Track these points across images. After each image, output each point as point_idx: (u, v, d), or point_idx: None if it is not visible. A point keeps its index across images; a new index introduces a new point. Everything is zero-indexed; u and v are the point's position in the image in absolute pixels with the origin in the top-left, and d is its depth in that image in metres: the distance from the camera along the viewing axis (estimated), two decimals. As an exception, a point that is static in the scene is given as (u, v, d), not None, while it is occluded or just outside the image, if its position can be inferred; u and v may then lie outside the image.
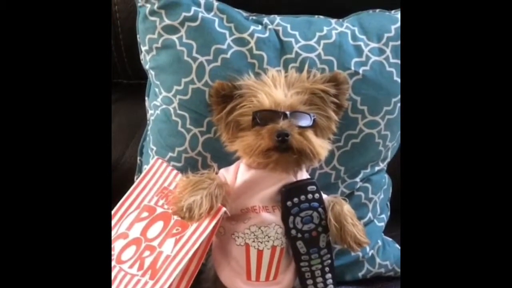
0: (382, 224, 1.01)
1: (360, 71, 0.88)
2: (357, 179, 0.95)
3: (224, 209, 0.72)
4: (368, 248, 0.95)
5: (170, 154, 0.92)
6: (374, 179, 0.98)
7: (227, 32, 0.88)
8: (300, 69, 0.85)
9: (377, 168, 0.98)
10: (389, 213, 1.04)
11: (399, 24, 0.92)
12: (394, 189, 1.05)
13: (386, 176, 1.02)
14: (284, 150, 0.73)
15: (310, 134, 0.76)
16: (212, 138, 0.89)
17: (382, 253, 0.98)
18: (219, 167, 0.86)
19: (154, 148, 0.95)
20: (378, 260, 0.97)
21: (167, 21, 0.89)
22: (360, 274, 0.97)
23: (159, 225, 0.78)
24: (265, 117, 0.74)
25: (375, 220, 0.99)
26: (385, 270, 0.98)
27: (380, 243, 0.99)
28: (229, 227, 0.79)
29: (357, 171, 0.95)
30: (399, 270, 1.00)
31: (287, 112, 0.73)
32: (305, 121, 0.75)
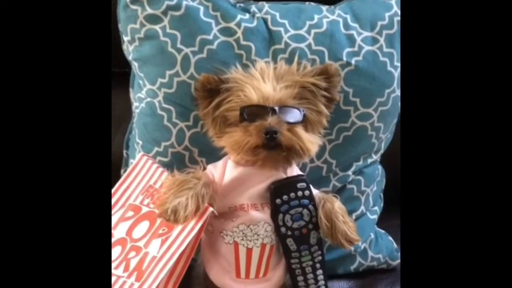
0: (375, 216, 1.00)
1: (353, 62, 0.86)
2: (349, 172, 0.93)
3: (211, 209, 0.71)
4: (360, 242, 0.93)
5: (156, 148, 0.90)
6: (367, 172, 0.97)
7: (213, 22, 0.85)
8: (289, 61, 0.83)
9: (370, 160, 0.97)
10: (382, 205, 1.03)
11: (393, 11, 0.89)
12: (388, 180, 1.04)
13: (380, 167, 1.01)
14: (272, 147, 0.71)
15: (299, 130, 0.74)
16: (199, 133, 0.87)
17: (375, 246, 0.98)
18: (207, 162, 0.85)
19: (140, 142, 0.93)
20: (370, 253, 0.97)
21: (149, 10, 0.85)
22: (352, 268, 0.97)
23: (144, 225, 0.77)
24: (253, 112, 0.72)
25: (368, 213, 0.98)
26: (378, 263, 0.98)
27: (372, 236, 0.98)
28: (218, 225, 0.78)
29: (349, 164, 0.94)
30: (391, 262, 1.00)
31: (276, 108, 0.71)
32: (295, 117, 0.73)
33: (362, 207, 0.96)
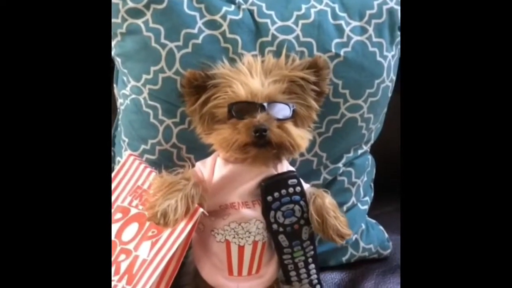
0: (366, 207, 1.01)
1: (341, 53, 0.85)
2: (340, 164, 0.93)
3: (201, 210, 0.70)
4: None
5: (143, 146, 0.89)
6: (357, 163, 0.97)
7: (197, 15, 0.82)
8: (277, 53, 0.81)
9: (360, 151, 0.96)
10: (372, 194, 1.04)
11: (382, -1, 0.88)
12: (377, 168, 1.04)
13: (370, 157, 1.01)
14: (262, 145, 0.70)
15: (289, 126, 0.73)
16: (187, 130, 0.85)
17: (366, 237, 0.98)
18: (196, 159, 0.84)
19: (126, 140, 0.91)
20: (362, 244, 0.97)
21: (130, 4, 0.82)
22: (343, 259, 0.97)
23: (133, 227, 0.75)
24: (241, 109, 0.71)
25: (359, 204, 0.98)
26: (369, 253, 0.99)
27: (363, 226, 0.99)
28: (208, 223, 0.77)
29: (339, 156, 0.94)
30: (383, 252, 1.01)
31: (265, 104, 0.70)
32: (284, 113, 0.72)
33: (353, 199, 0.96)
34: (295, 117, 0.75)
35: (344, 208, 0.94)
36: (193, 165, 0.79)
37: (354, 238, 0.96)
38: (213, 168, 0.78)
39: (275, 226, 0.76)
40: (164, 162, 0.86)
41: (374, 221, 1.03)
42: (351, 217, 0.88)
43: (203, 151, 0.81)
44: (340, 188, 0.93)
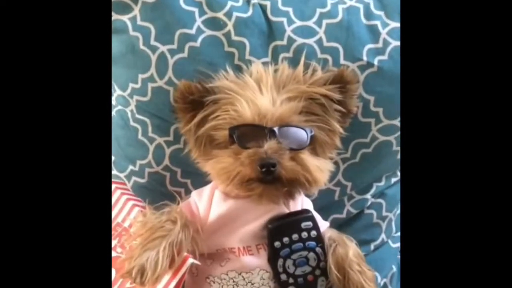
0: (398, 244, 0.86)
1: (375, 62, 0.70)
2: (368, 196, 0.81)
3: (190, 260, 0.58)
4: (379, 277, 0.80)
5: (130, 167, 0.77)
6: (390, 193, 0.83)
7: (196, 11, 0.70)
8: (294, 61, 0.67)
9: (393, 180, 0.82)
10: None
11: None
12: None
13: (404, 185, 0.86)
14: (270, 181, 0.58)
15: (306, 156, 0.60)
16: (182, 150, 0.72)
17: (397, 282, 0.84)
18: (193, 185, 0.74)
19: (113, 158, 0.78)
20: (391, 290, 0.83)
21: (115, -5, 0.69)
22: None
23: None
24: (246, 134, 0.59)
25: (389, 241, 0.85)
26: (400, 301, 0.84)
27: (394, 269, 0.85)
28: (203, 268, 0.65)
29: (368, 186, 0.80)
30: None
31: (275, 128, 0.59)
32: (300, 140, 0.60)
33: (383, 236, 0.83)
34: (313, 144, 0.62)
35: (372, 246, 0.82)
36: (190, 191, 0.69)
37: (382, 283, 0.82)
38: (210, 202, 0.66)
39: (283, 276, 0.64)
40: (155, 186, 0.76)
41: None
42: (379, 257, 0.79)
43: (202, 176, 0.68)
44: (367, 223, 0.81)
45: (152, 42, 0.69)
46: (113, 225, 0.67)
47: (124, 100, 0.74)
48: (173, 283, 0.58)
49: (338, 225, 0.76)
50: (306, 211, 0.66)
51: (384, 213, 0.82)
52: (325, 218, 0.69)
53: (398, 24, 0.71)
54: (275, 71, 0.64)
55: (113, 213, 0.67)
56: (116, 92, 0.74)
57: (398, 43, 0.70)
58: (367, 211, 0.81)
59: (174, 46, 0.69)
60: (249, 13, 0.71)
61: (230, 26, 0.70)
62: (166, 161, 0.75)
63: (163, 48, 0.69)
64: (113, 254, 0.65)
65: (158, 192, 0.75)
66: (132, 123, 0.74)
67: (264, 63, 0.67)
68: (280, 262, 0.63)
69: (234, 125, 0.59)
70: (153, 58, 0.69)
